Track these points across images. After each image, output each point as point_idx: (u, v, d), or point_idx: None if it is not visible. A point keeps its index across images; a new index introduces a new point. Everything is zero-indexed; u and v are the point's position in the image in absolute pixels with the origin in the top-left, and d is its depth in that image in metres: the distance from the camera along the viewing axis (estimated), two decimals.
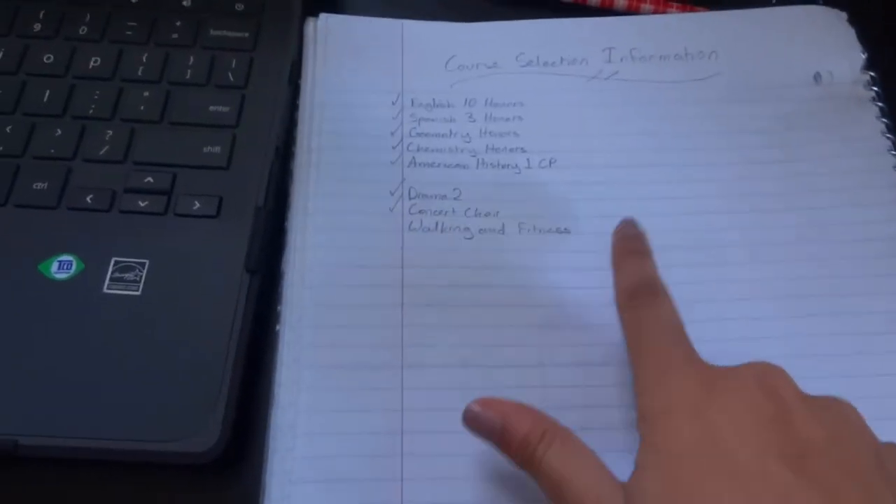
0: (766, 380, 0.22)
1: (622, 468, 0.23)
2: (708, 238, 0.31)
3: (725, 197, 0.32)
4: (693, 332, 0.28)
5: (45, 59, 0.34)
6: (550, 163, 0.32)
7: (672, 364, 0.23)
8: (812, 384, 0.26)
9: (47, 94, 0.33)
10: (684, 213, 0.31)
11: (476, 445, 0.24)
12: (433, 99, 0.34)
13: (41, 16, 0.35)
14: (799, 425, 0.21)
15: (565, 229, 0.31)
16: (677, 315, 0.25)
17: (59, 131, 0.32)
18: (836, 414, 0.22)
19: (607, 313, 0.29)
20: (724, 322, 0.29)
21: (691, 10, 0.37)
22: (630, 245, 0.27)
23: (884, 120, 0.33)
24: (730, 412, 0.21)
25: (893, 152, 0.32)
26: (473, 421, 0.24)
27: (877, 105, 0.33)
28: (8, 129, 0.32)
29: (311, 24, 0.36)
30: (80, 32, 0.35)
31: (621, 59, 0.35)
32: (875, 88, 0.34)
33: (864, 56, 0.34)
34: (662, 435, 0.22)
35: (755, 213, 0.31)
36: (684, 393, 0.22)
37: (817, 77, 0.34)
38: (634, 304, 0.25)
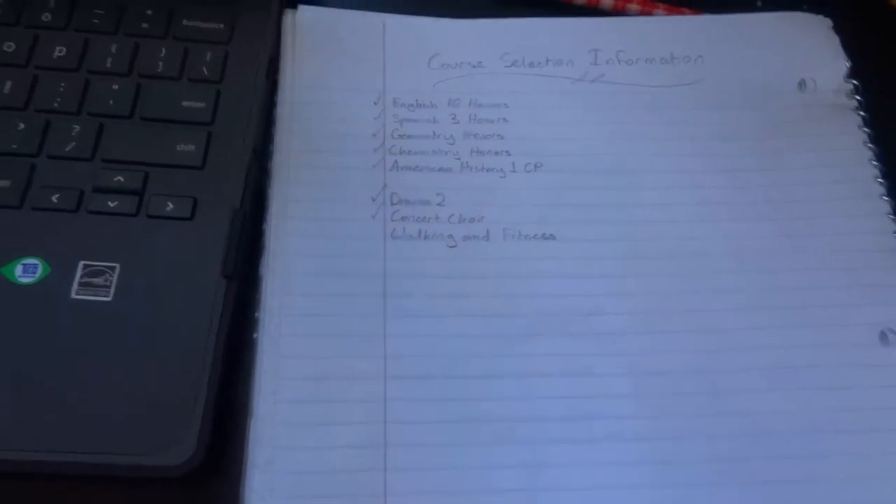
0: None
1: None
2: (690, 246, 0.31)
3: (708, 204, 0.31)
4: (674, 341, 0.28)
5: (5, 48, 0.32)
6: (536, 167, 0.32)
7: None
8: (792, 395, 0.27)
9: (8, 85, 0.31)
10: (667, 221, 0.31)
11: (462, 458, 0.24)
12: (416, 99, 0.33)
13: None
14: None
15: (550, 235, 0.30)
16: None
17: (22, 125, 0.30)
18: None
19: (590, 322, 0.29)
20: (707, 334, 0.29)
21: (678, 13, 0.37)
22: None
23: (866, 130, 0.33)
24: None
25: (875, 163, 0.32)
26: None
27: (859, 115, 0.33)
28: None
29: (289, 16, 0.34)
30: (43, 19, 0.33)
31: (607, 62, 0.34)
32: (858, 98, 0.34)
33: (847, 65, 0.34)
34: None
35: (737, 221, 0.31)
36: None
37: (802, 85, 0.34)
38: None
